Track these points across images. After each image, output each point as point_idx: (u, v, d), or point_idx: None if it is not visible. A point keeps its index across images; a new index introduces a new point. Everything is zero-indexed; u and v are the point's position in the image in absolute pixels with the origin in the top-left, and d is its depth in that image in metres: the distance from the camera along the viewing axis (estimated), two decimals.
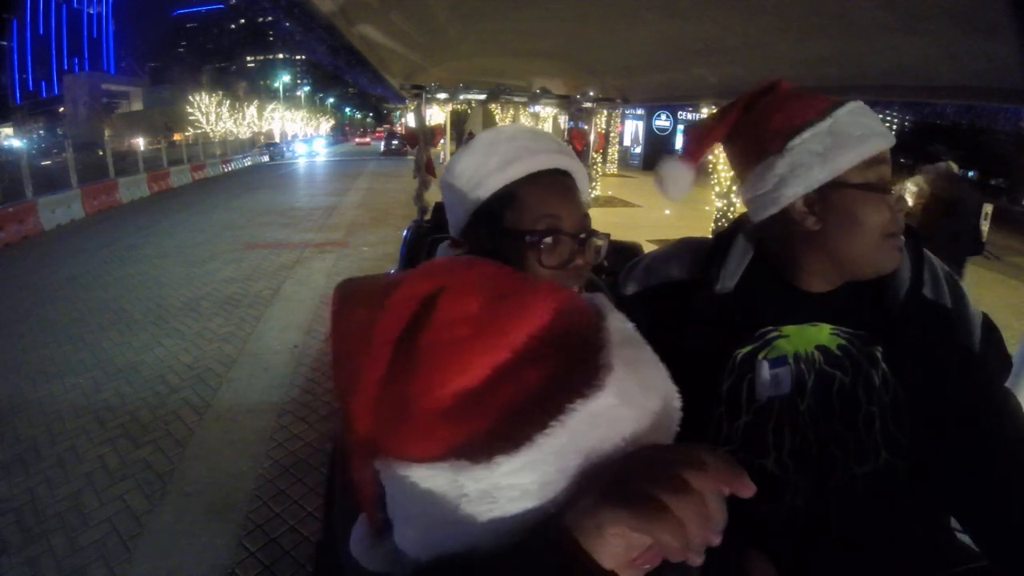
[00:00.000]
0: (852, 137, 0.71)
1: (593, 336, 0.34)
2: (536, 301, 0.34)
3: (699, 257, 0.86)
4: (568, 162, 0.76)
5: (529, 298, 0.34)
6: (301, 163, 25.45)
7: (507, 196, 0.73)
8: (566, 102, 3.13)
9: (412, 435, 0.31)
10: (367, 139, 45.80)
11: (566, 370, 0.32)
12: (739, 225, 0.86)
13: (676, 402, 0.35)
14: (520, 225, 0.72)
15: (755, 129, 0.78)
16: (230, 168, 21.23)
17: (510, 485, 0.29)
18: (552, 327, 0.33)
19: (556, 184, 0.74)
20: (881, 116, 0.80)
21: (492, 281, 0.35)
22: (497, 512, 0.30)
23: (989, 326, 0.77)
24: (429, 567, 0.32)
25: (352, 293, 0.40)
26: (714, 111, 0.92)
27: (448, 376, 0.31)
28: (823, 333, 0.78)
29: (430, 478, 0.30)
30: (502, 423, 0.30)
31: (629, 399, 0.31)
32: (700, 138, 0.84)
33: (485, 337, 0.32)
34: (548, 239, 0.70)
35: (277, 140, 39.30)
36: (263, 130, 42.88)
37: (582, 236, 0.72)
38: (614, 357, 0.32)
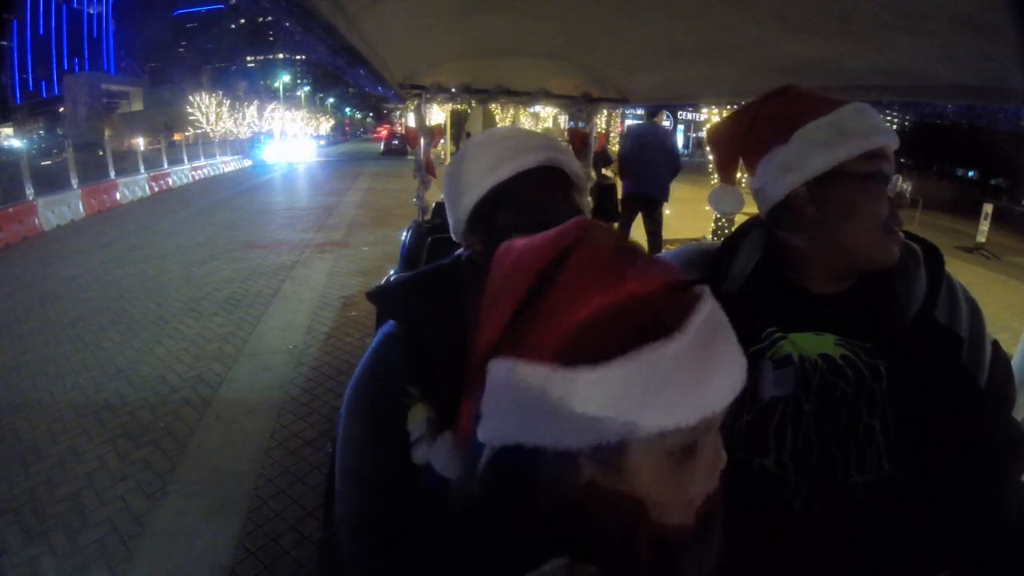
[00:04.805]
0: (854, 131, 0.74)
1: (685, 309, 0.41)
2: (647, 273, 0.42)
3: (709, 259, 0.87)
4: (560, 158, 0.76)
5: (642, 269, 0.42)
6: (297, 164, 25.36)
7: (498, 195, 0.73)
8: (566, 102, 3.13)
9: (529, 341, 0.40)
10: (382, 133, 47.80)
11: (653, 324, 0.40)
12: (748, 228, 0.87)
13: (736, 383, 0.42)
14: (512, 223, 0.71)
15: (766, 124, 0.81)
16: (229, 168, 21.23)
17: (583, 393, 0.37)
18: (655, 294, 0.41)
19: (546, 180, 0.74)
20: (881, 116, 0.81)
21: (617, 245, 0.44)
22: (566, 412, 0.38)
23: (996, 356, 0.76)
24: (502, 453, 0.41)
25: (512, 244, 0.50)
26: (718, 112, 0.95)
27: (569, 306, 0.40)
28: (827, 342, 0.77)
29: (529, 374, 0.39)
30: (595, 347, 0.39)
31: (685, 362, 0.38)
32: (725, 157, 0.88)
33: (603, 287, 0.41)
34: (535, 232, 0.71)
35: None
36: (263, 130, 42.79)
37: None
38: (690, 326, 0.40)
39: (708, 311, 0.41)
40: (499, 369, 0.41)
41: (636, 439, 0.38)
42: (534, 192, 0.73)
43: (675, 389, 0.38)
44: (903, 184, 0.76)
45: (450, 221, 0.80)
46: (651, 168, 4.93)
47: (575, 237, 0.43)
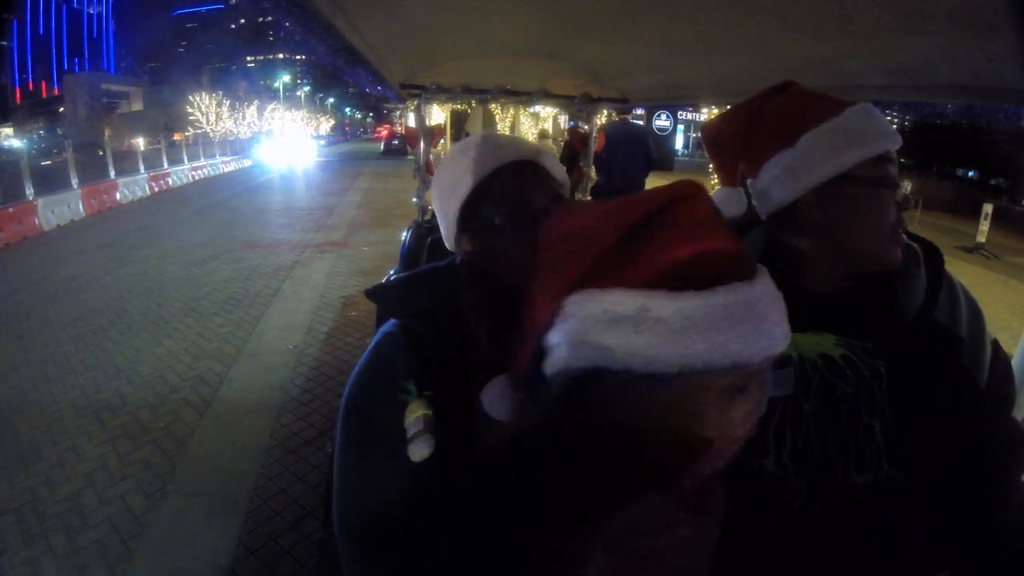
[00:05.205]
0: (862, 134, 0.73)
1: (757, 266, 0.48)
2: (732, 234, 0.48)
3: None
4: (534, 154, 0.79)
5: (729, 230, 0.49)
6: (297, 164, 25.34)
7: (480, 193, 0.76)
8: (566, 102, 3.13)
9: (631, 271, 0.45)
10: (382, 133, 47.78)
11: (740, 270, 0.46)
12: (746, 228, 0.87)
13: (785, 334, 0.46)
14: (496, 214, 0.75)
15: (769, 125, 0.79)
16: (229, 168, 21.22)
17: (684, 313, 0.42)
18: (740, 249, 0.48)
19: (525, 172, 0.77)
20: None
21: (714, 208, 0.49)
22: (659, 337, 0.42)
23: (996, 356, 0.77)
24: (580, 377, 0.45)
25: (568, 210, 0.55)
26: (718, 112, 0.94)
27: (678, 243, 0.45)
28: (826, 342, 0.77)
29: (626, 300, 0.43)
30: (698, 278, 0.43)
31: (762, 302, 0.45)
32: (726, 158, 0.86)
33: (704, 235, 0.46)
34: (520, 221, 0.73)
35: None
36: (263, 130, 42.76)
37: None
38: (764, 276, 0.47)
39: (765, 277, 0.48)
40: (592, 296, 0.45)
41: (713, 370, 0.42)
42: (514, 184, 0.76)
43: (754, 323, 0.44)
44: (906, 186, 0.76)
45: (442, 231, 0.83)
46: (623, 165, 4.99)
47: (688, 193, 0.48)
